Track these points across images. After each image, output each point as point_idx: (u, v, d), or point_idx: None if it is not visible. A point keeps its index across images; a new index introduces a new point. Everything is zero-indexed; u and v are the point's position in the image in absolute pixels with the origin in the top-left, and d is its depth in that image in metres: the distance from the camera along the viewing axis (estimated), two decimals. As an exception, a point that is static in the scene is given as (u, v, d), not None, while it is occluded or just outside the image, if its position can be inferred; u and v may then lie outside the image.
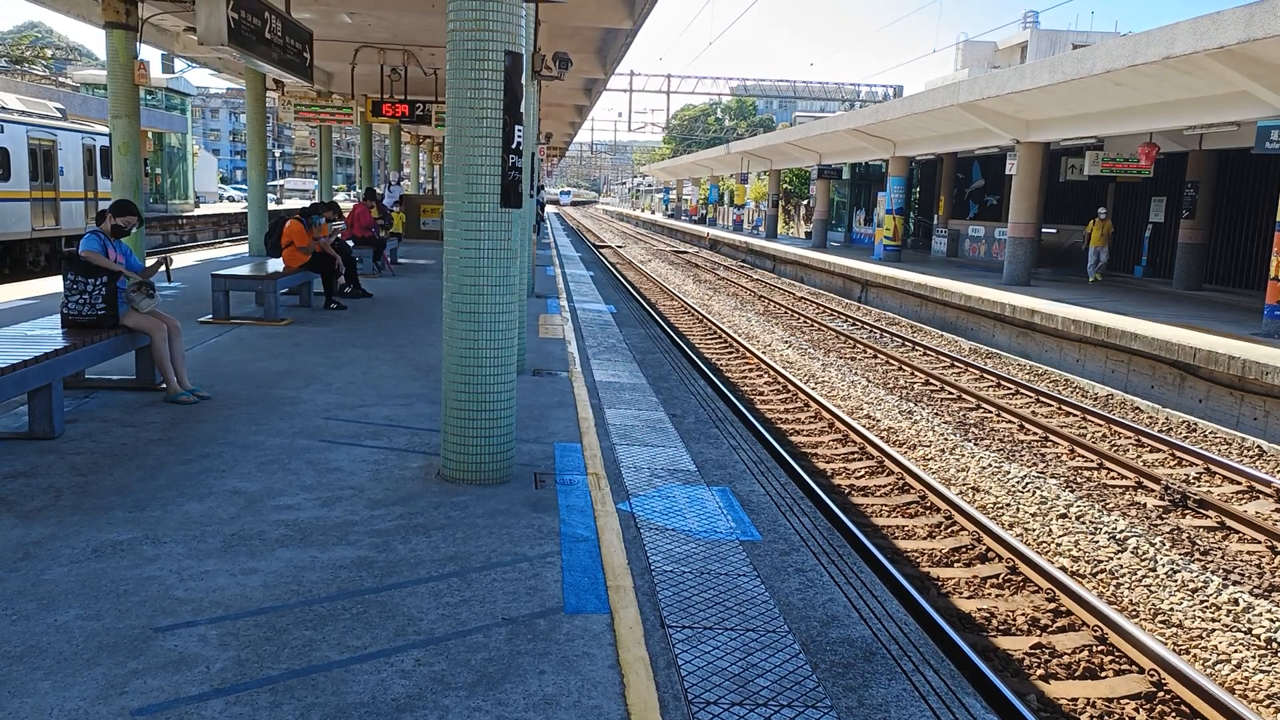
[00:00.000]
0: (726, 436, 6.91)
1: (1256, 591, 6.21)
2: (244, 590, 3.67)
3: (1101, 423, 10.69)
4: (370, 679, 3.08)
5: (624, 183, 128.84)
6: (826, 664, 3.44)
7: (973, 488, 8.34)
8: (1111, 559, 6.72)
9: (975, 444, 9.71)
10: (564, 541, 4.35)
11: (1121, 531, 7.16)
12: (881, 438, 9.80)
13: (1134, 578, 6.42)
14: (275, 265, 11.45)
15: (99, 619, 3.38)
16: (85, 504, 4.51)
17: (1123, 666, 5.19)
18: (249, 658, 3.16)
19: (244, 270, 11.30)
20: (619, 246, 43.02)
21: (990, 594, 6.15)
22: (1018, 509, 7.77)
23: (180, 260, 18.10)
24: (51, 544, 4.02)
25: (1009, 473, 8.64)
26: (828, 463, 8.93)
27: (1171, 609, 5.98)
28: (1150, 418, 11.27)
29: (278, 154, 74.76)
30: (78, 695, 2.89)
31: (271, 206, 24.08)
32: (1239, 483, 8.57)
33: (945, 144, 24.37)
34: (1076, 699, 4.89)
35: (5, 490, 4.67)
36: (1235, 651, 5.43)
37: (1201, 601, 6.06)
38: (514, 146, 4.87)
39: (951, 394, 12.19)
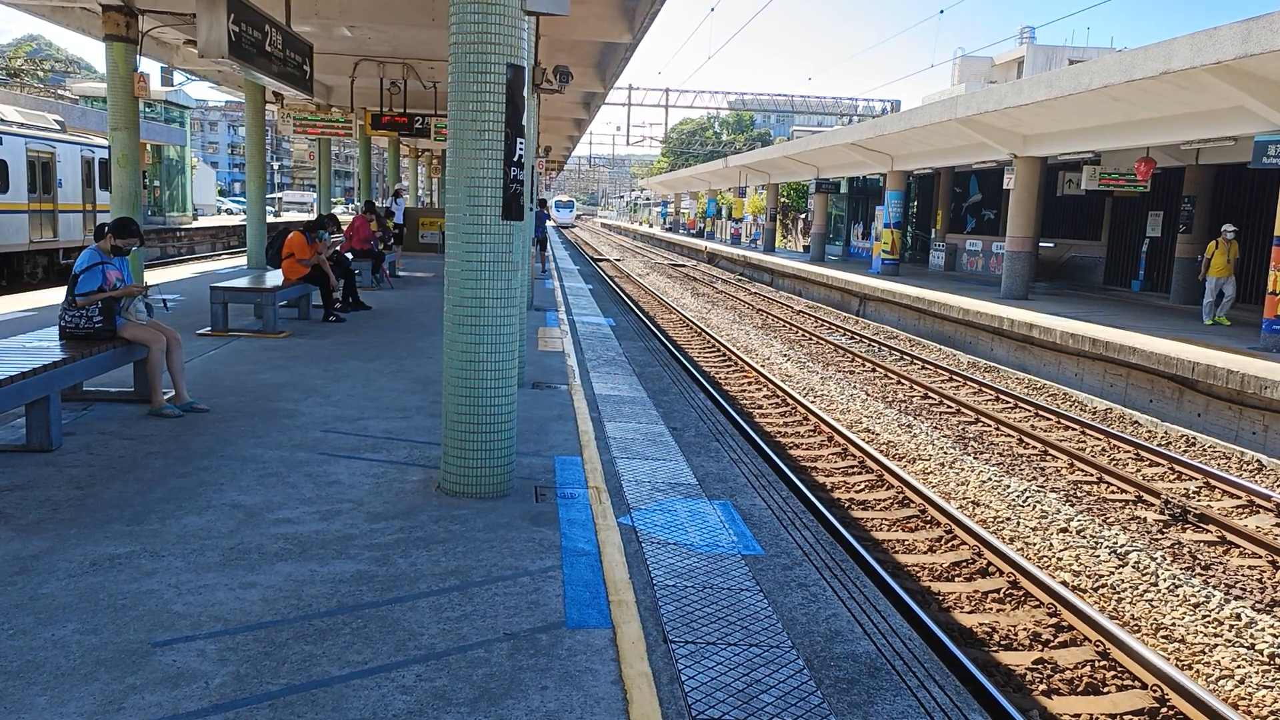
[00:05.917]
0: (727, 450, 6.89)
1: (1259, 606, 6.18)
2: (243, 604, 3.64)
3: (1101, 436, 10.68)
4: (371, 694, 3.05)
5: (622, 196, 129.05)
6: (831, 679, 3.41)
7: (973, 501, 8.32)
8: (1113, 573, 6.70)
9: (975, 458, 9.69)
10: (565, 555, 4.33)
11: (1122, 546, 7.13)
12: (881, 451, 9.78)
13: (1135, 592, 6.40)
14: (274, 277, 11.44)
15: (96, 633, 3.35)
16: (83, 517, 4.48)
17: (1125, 682, 5.17)
18: (248, 673, 3.13)
19: (243, 282, 11.29)
20: (617, 260, 43.05)
21: (992, 608, 6.12)
22: (1018, 523, 7.75)
23: (178, 273, 18.10)
24: (49, 558, 3.99)
25: (1009, 487, 8.62)
26: (828, 476, 8.90)
27: (1174, 624, 5.95)
28: (1149, 432, 11.26)
29: (276, 167, 74.88)
30: (75, 711, 2.86)
31: (270, 219, 24.06)
32: (1239, 497, 8.56)
33: (943, 158, 24.46)
34: (1079, 714, 4.86)
35: (2, 503, 4.63)
36: (1238, 667, 5.40)
37: (1204, 616, 6.03)
38: (515, 159, 4.87)
39: (950, 408, 12.18)
